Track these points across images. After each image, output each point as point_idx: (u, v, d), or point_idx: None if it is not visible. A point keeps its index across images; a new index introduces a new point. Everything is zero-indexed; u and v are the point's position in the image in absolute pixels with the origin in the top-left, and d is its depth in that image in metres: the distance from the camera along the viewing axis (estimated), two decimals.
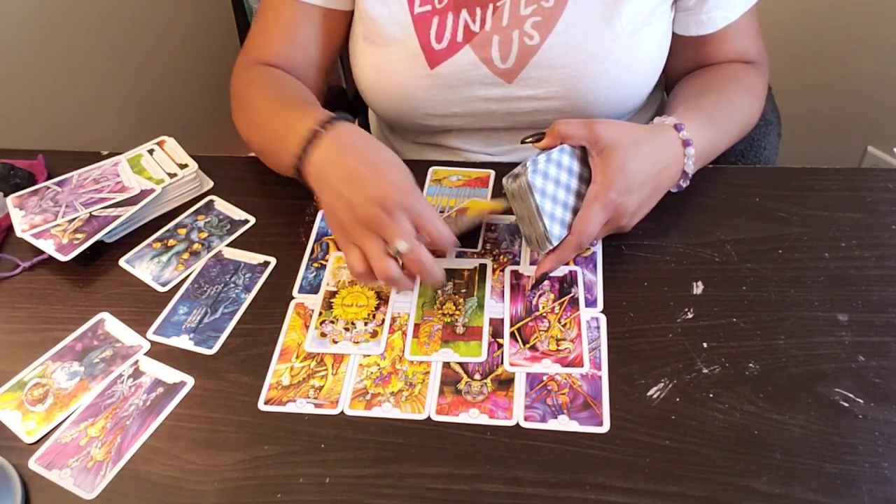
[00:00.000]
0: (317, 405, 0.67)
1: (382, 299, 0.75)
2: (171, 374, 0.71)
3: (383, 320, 0.73)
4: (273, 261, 0.80)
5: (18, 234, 0.81)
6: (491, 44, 0.83)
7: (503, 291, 0.75)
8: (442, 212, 0.82)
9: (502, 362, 0.69)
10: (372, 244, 0.68)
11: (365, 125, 1.14)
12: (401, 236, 0.67)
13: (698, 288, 0.74)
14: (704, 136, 0.79)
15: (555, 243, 0.72)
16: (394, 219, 0.67)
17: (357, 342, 0.72)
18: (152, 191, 0.84)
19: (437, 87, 0.86)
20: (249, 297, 0.77)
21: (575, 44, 0.82)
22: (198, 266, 0.80)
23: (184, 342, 0.73)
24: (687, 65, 0.93)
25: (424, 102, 0.87)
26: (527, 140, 0.76)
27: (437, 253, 0.72)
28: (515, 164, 0.88)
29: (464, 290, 0.76)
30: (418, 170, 0.88)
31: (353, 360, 0.71)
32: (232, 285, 0.78)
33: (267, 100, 0.84)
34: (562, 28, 0.82)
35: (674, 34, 0.90)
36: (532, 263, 0.77)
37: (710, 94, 0.87)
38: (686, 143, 0.77)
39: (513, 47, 0.83)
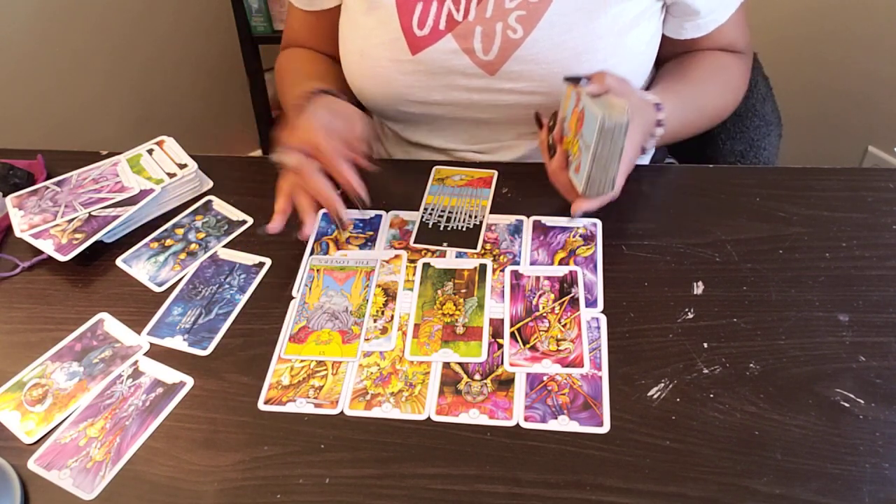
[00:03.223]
0: (317, 405, 0.67)
1: (390, 296, 0.75)
2: (170, 375, 0.71)
3: (392, 317, 0.73)
4: (268, 262, 0.80)
5: (17, 234, 0.81)
6: (473, 34, 0.83)
7: (503, 291, 0.75)
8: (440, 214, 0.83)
9: (502, 362, 0.69)
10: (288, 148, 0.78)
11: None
12: (289, 151, 0.77)
13: (699, 288, 0.74)
14: (673, 118, 0.84)
15: (612, 190, 0.74)
16: (296, 136, 0.78)
17: (368, 339, 0.72)
18: (151, 191, 0.84)
19: (418, 73, 0.86)
20: (244, 298, 0.76)
21: (560, 41, 0.82)
22: (193, 267, 0.80)
23: (178, 343, 0.73)
24: (674, 55, 0.94)
25: (406, 88, 0.87)
26: (570, 79, 0.76)
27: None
28: (515, 164, 0.88)
29: (464, 290, 0.75)
30: (421, 170, 0.88)
31: (352, 360, 0.71)
32: (227, 286, 0.78)
33: (288, 77, 0.98)
34: (546, 24, 0.82)
35: (665, 35, 0.90)
36: (532, 263, 0.77)
37: (688, 82, 0.90)
38: (659, 124, 0.82)
39: (496, 40, 0.83)
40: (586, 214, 0.78)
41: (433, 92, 0.88)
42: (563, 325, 0.71)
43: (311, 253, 0.80)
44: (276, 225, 0.77)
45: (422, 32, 0.84)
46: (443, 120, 0.92)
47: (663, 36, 0.90)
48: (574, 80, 0.74)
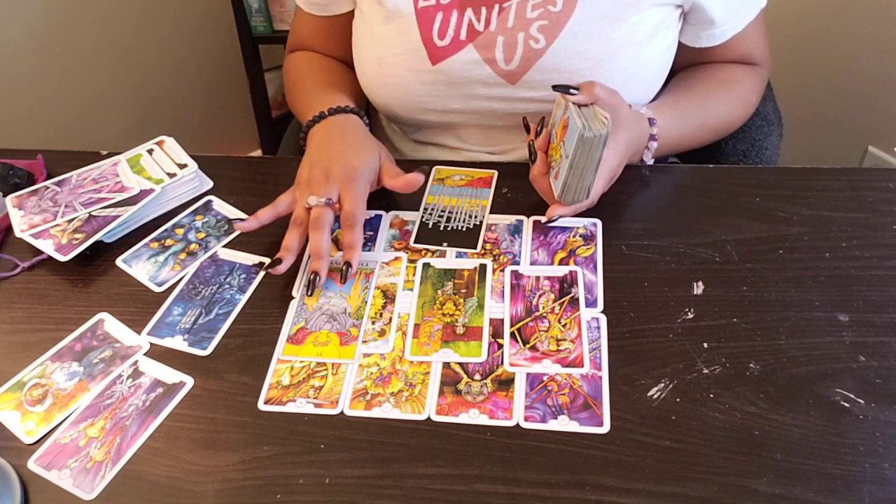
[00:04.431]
0: (317, 405, 0.67)
1: (389, 298, 0.75)
2: (170, 375, 0.71)
3: (390, 319, 0.73)
4: (268, 261, 0.80)
5: (18, 234, 0.81)
6: (495, 44, 0.83)
7: (503, 291, 0.75)
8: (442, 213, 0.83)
9: (502, 362, 0.69)
10: (303, 196, 0.78)
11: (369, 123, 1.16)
12: (318, 195, 0.76)
13: (699, 288, 0.74)
14: (669, 132, 0.85)
15: (589, 199, 0.76)
16: (326, 184, 0.78)
17: (366, 341, 0.72)
18: (152, 191, 0.84)
19: (438, 84, 0.86)
20: (244, 298, 0.76)
21: (581, 50, 0.82)
22: (193, 267, 0.80)
23: (178, 343, 0.73)
24: (689, 64, 0.93)
25: (425, 97, 0.87)
26: (558, 87, 0.76)
27: (346, 242, 0.76)
28: (516, 164, 0.88)
29: (464, 290, 0.75)
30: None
31: (350, 362, 0.71)
32: (227, 286, 0.78)
33: (308, 82, 0.96)
34: (568, 34, 0.82)
35: (681, 43, 0.90)
36: (532, 263, 0.77)
37: (693, 96, 0.90)
38: (652, 138, 0.84)
39: (517, 49, 0.83)
40: (588, 213, 0.78)
41: (452, 101, 0.88)
42: (563, 325, 0.71)
43: None
44: (247, 226, 0.78)
45: (442, 43, 0.84)
46: (459, 126, 0.92)
47: (679, 43, 0.90)
48: (564, 89, 0.75)
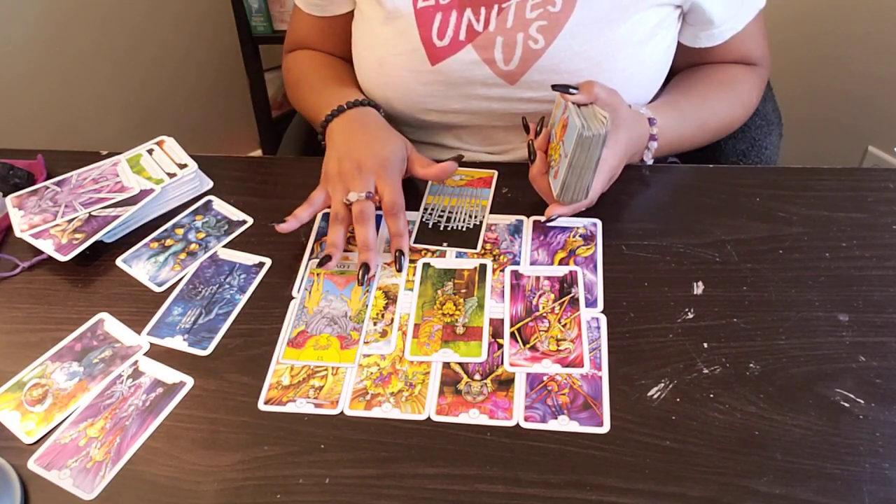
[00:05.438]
0: (317, 405, 0.67)
1: (390, 299, 0.75)
2: (170, 375, 0.71)
3: (392, 320, 0.73)
4: (268, 262, 0.80)
5: (17, 234, 0.81)
6: (494, 45, 0.83)
7: (503, 291, 0.75)
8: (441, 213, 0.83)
9: (502, 362, 0.69)
10: (337, 191, 0.79)
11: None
12: (357, 189, 0.77)
13: (699, 288, 0.74)
14: (669, 132, 0.85)
15: (588, 198, 0.76)
16: (360, 176, 0.78)
17: (367, 342, 0.72)
18: (152, 191, 0.84)
19: (437, 84, 0.86)
20: (244, 298, 0.76)
21: (580, 50, 0.82)
22: (193, 267, 0.80)
23: (178, 343, 0.73)
24: (689, 64, 0.93)
25: (424, 97, 0.87)
26: (558, 87, 0.75)
27: (393, 231, 0.77)
28: (516, 164, 0.89)
29: (464, 290, 0.75)
30: None
31: (350, 365, 0.71)
32: (227, 286, 0.78)
33: (315, 79, 0.96)
34: (567, 34, 0.82)
35: (680, 43, 0.90)
36: (532, 263, 0.77)
37: (692, 96, 0.90)
38: (652, 138, 0.84)
39: (517, 50, 0.83)
40: (586, 213, 0.78)
41: (452, 101, 0.88)
42: (563, 325, 0.71)
43: (312, 253, 0.80)
44: (288, 227, 0.77)
45: (441, 43, 0.84)
46: (458, 126, 0.92)
47: (679, 44, 0.90)
48: (563, 89, 0.75)
